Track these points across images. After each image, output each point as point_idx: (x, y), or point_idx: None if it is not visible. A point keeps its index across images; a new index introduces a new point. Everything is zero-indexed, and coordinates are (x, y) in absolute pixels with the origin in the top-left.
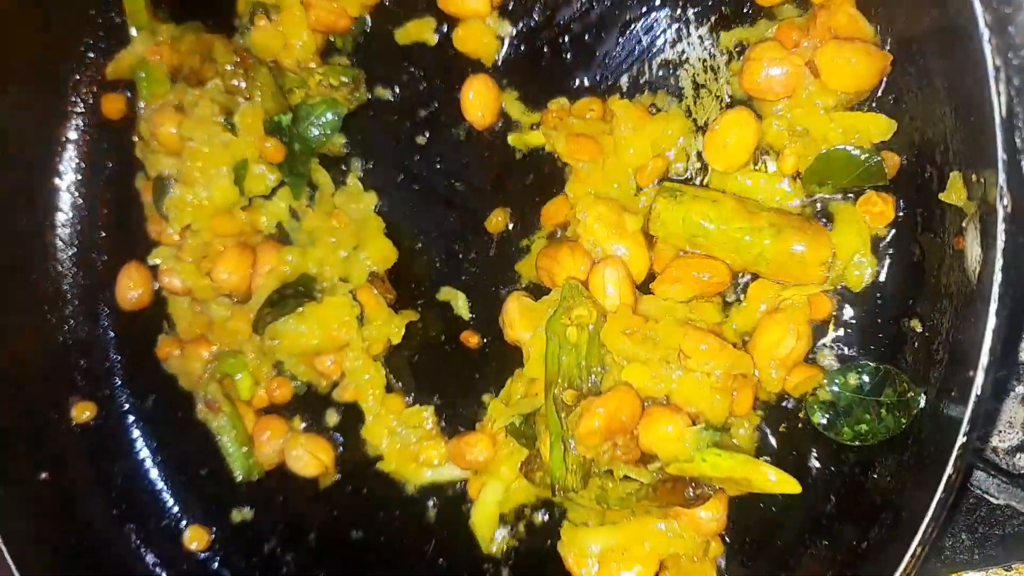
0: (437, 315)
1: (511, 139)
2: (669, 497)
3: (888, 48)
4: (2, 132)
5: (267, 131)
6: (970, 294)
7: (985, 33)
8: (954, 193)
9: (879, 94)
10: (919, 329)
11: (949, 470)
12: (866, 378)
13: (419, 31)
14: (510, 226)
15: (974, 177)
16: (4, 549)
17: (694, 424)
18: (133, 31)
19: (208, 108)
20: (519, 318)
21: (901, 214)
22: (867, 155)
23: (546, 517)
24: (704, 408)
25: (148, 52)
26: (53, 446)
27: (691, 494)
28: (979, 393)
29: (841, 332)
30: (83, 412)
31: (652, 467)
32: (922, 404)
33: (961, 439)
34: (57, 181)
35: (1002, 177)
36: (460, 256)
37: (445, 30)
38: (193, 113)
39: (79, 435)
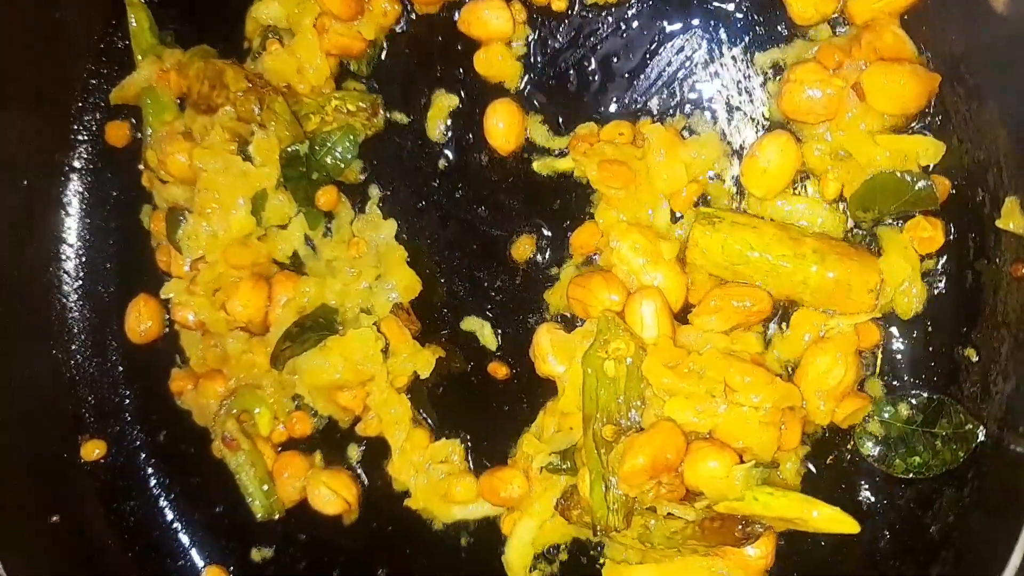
0: (462, 346)
1: (536, 165)
2: (717, 536)
3: (934, 67)
4: (5, 161)
5: (283, 160)
6: None
7: None
8: (1011, 220)
9: (927, 115)
10: (975, 359)
11: None
12: (918, 409)
13: (441, 110)
14: (537, 254)
15: None
16: None
17: (741, 460)
18: (138, 56)
19: (220, 136)
20: (552, 351)
21: (952, 239)
22: (916, 179)
23: (582, 554)
24: (752, 443)
25: (154, 78)
26: (63, 487)
27: (741, 533)
28: None
29: (890, 361)
30: (93, 450)
31: (698, 504)
32: (981, 437)
33: None
34: (62, 211)
35: None
36: (485, 285)
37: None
38: (204, 141)
39: (89, 474)
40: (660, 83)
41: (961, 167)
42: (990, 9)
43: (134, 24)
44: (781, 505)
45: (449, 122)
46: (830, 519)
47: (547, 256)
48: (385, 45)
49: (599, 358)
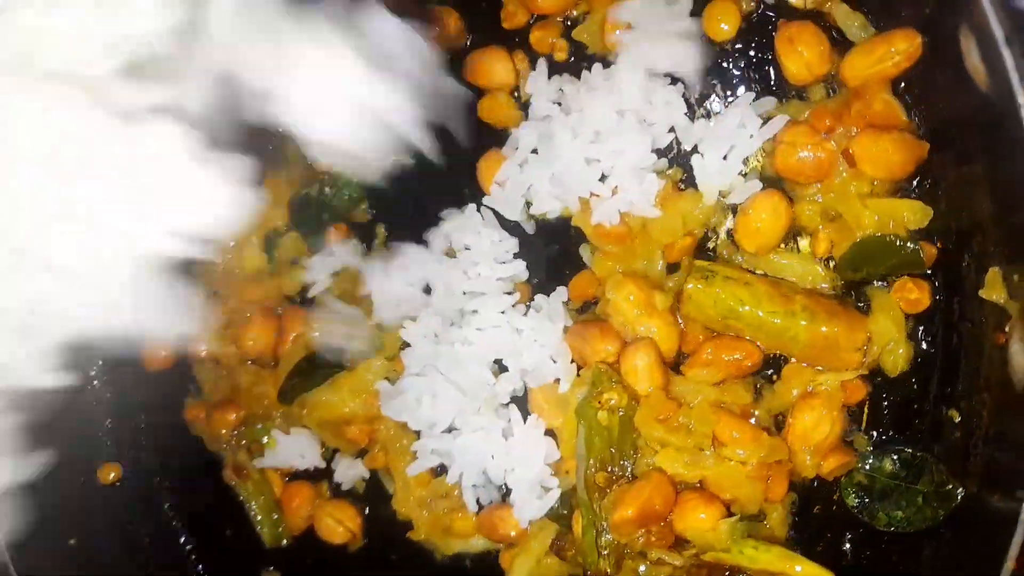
0: None
1: (535, 210)
2: None
3: (924, 132)
4: None
5: (295, 204)
6: (1015, 398)
7: None
8: (993, 291)
9: (916, 178)
10: (957, 419)
11: None
12: (902, 464)
13: None
14: (533, 299)
15: (1016, 277)
16: None
17: (728, 510)
18: None
19: None
20: (547, 407)
21: (938, 301)
22: (904, 243)
23: None
24: (739, 495)
25: None
26: (81, 510)
27: None
28: None
29: (877, 416)
30: (109, 473)
31: (686, 552)
32: (960, 498)
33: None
34: None
35: None
36: None
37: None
38: None
39: (106, 498)
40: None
41: (948, 231)
42: (974, 83)
43: None
44: (764, 559)
45: None
46: (811, 575)
47: None
48: None
49: (593, 408)
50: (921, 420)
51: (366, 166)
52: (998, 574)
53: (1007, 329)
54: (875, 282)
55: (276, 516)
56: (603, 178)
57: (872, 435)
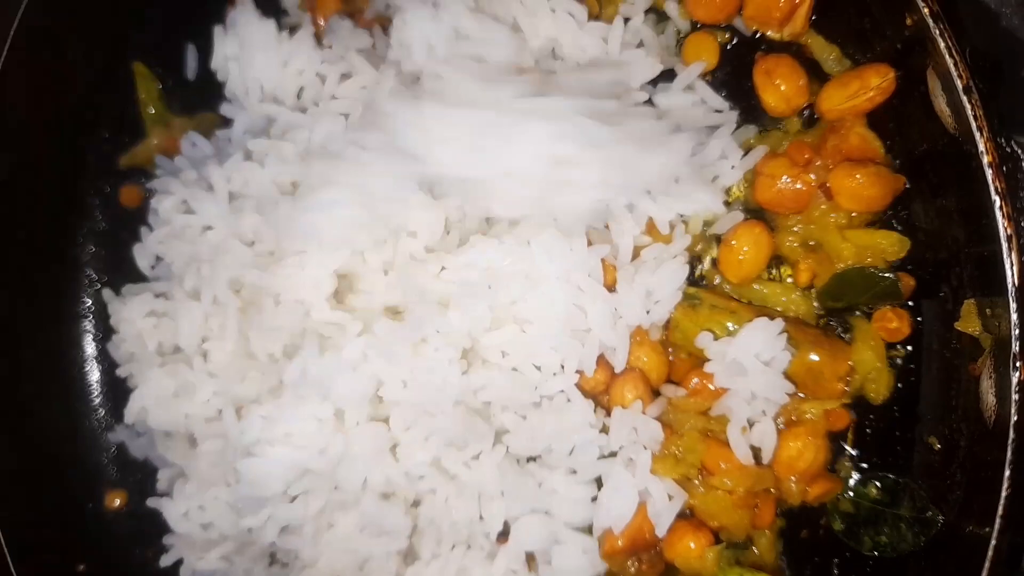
0: None
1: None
2: None
3: (900, 163)
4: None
5: None
6: (985, 434)
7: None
8: (968, 324)
9: (894, 210)
10: (937, 446)
11: None
12: (885, 490)
13: None
14: None
15: (988, 311)
16: None
17: (716, 537)
18: (148, 124)
19: None
20: None
21: (918, 330)
22: (883, 274)
23: None
24: (727, 523)
25: (163, 143)
26: (88, 536)
27: None
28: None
29: (861, 442)
30: (115, 500)
31: None
32: (939, 525)
33: None
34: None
35: (1015, 318)
36: None
37: None
38: None
39: (113, 523)
40: None
41: (925, 262)
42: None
43: (143, 95)
44: None
45: None
46: None
47: None
48: None
49: None
50: (903, 447)
51: None
52: None
53: (979, 362)
54: (856, 311)
55: None
56: None
57: (856, 462)
